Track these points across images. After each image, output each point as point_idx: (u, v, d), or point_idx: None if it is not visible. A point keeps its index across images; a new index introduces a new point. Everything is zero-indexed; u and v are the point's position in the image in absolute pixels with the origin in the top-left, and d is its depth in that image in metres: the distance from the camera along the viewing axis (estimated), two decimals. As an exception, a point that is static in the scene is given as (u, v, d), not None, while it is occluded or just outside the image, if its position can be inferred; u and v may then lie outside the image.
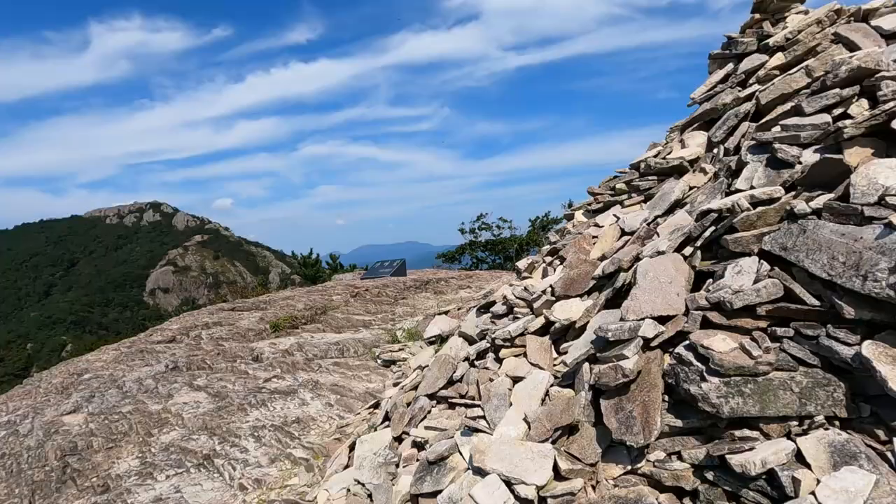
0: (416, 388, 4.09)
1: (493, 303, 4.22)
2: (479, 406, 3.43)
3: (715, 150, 3.87)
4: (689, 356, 2.59)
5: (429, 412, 3.67)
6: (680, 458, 2.53)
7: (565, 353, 3.36)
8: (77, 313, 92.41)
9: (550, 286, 3.72)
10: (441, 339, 5.72)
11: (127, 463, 5.16)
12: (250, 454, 4.80)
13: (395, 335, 6.36)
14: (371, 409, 4.84)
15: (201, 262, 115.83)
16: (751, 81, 4.03)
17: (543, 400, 3.09)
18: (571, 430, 2.92)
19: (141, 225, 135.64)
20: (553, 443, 2.84)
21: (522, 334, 3.55)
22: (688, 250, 3.16)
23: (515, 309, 3.81)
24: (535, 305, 3.64)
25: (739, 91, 4.08)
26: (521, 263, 4.95)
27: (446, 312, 6.42)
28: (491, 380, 3.55)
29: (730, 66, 4.68)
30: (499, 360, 3.74)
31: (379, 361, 5.87)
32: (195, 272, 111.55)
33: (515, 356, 3.58)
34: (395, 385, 4.88)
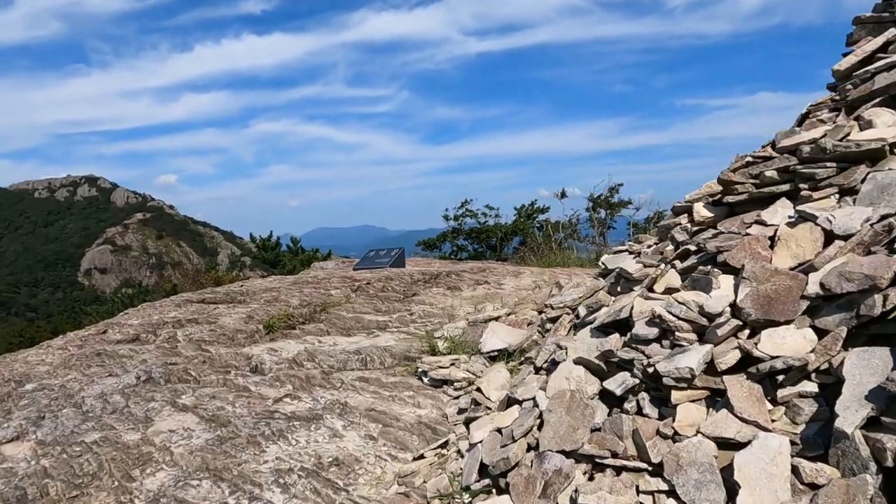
0: (527, 433, 3.04)
1: (626, 320, 3.21)
2: (655, 474, 2.43)
3: (933, 131, 3.01)
4: None
5: (570, 478, 2.64)
6: None
7: (785, 402, 2.41)
8: (1, 294, 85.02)
9: (731, 305, 2.75)
10: (507, 355, 4.68)
11: (101, 521, 3.83)
12: (279, 512, 3.61)
13: (434, 345, 5.26)
14: (438, 451, 3.76)
15: (143, 241, 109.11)
16: (964, 46, 3.18)
17: (790, 480, 2.13)
18: (845, 530, 1.98)
19: (75, 200, 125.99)
20: (829, 553, 1.90)
21: (713, 373, 2.57)
22: (974, 266, 2.26)
23: (677, 334, 2.83)
24: (720, 332, 2.66)
25: (942, 58, 3.24)
26: (629, 266, 3.96)
27: (497, 318, 5.38)
28: (662, 434, 2.56)
29: (891, 31, 3.84)
30: (658, 404, 2.75)
31: (426, 380, 4.76)
32: (136, 252, 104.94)
33: (694, 401, 2.61)
34: (467, 419, 3.81)
